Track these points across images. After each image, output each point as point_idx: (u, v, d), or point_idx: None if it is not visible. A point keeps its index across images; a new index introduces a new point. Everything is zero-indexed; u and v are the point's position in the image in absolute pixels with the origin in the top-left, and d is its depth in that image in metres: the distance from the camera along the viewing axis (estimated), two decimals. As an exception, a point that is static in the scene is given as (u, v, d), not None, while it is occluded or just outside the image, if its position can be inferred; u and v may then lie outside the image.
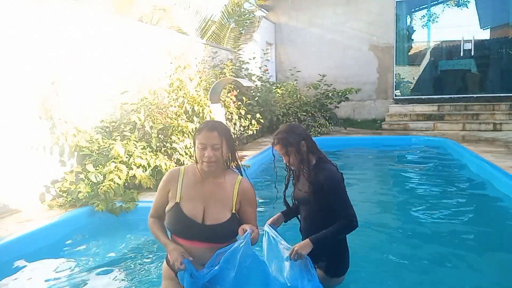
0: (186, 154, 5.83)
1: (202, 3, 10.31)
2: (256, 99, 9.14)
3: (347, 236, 2.53)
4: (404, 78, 12.89)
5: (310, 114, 10.07)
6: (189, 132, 5.98)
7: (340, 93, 10.60)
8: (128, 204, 4.31)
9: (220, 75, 8.14)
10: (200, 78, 7.47)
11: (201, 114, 6.37)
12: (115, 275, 3.12)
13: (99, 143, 4.90)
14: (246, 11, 11.04)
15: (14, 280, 3.06)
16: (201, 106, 6.37)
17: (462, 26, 12.12)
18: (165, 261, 2.23)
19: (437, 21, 12.81)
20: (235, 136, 7.82)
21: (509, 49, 11.90)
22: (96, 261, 3.41)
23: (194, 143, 2.11)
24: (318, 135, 9.69)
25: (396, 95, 12.34)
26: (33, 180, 4.53)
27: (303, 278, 2.23)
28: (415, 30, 13.23)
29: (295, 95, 10.59)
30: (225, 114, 7.48)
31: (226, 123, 7.33)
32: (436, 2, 12.88)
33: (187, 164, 5.59)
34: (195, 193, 2.13)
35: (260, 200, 5.47)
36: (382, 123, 10.96)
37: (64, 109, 4.77)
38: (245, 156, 7.31)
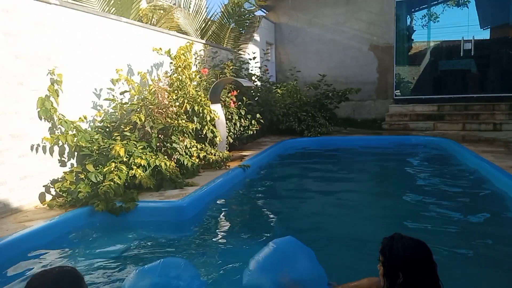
0: (186, 154, 5.83)
1: (202, 3, 10.32)
2: (256, 99, 9.14)
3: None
4: (404, 78, 12.88)
5: (310, 114, 10.06)
6: (189, 132, 5.98)
7: (340, 93, 10.59)
8: (128, 204, 4.31)
9: (220, 75, 8.13)
10: (200, 78, 7.47)
11: (201, 114, 6.37)
12: (115, 275, 3.12)
13: (99, 143, 4.90)
14: (246, 11, 11.04)
15: (13, 280, 3.06)
16: (201, 106, 6.37)
17: (462, 26, 12.11)
18: None
19: (437, 21, 12.81)
20: (235, 136, 7.82)
21: (509, 49, 11.89)
22: (95, 261, 3.40)
23: None
24: (318, 135, 9.70)
25: (396, 95, 12.34)
26: (33, 180, 4.53)
27: None
28: (415, 30, 13.22)
29: (295, 95, 10.59)
30: (225, 114, 7.48)
31: (226, 123, 7.33)
32: (436, 2, 12.87)
33: (186, 164, 5.60)
34: None
35: (259, 202, 5.48)
36: (382, 123, 10.95)
37: (64, 109, 4.77)
38: (245, 156, 7.31)
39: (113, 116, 5.74)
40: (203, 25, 10.25)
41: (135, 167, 4.79)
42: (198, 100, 6.40)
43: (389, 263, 1.84)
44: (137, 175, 4.73)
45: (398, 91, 12.50)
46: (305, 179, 6.67)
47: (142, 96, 5.96)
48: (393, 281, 1.81)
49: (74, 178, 4.52)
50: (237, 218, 4.75)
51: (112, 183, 4.37)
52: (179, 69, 6.52)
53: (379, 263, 1.93)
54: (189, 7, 10.10)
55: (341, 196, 5.63)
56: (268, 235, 4.06)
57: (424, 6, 12.98)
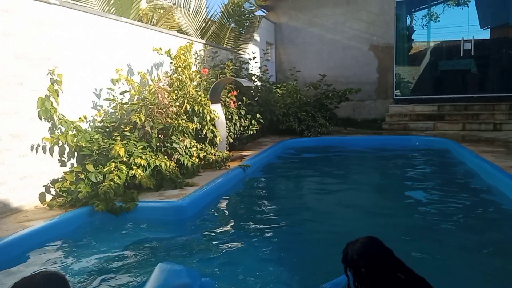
0: (186, 154, 5.83)
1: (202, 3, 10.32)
2: (256, 99, 9.14)
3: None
4: (404, 78, 12.88)
5: (310, 114, 10.06)
6: (189, 132, 5.99)
7: (340, 93, 10.60)
8: (128, 204, 4.31)
9: (220, 75, 8.13)
10: (200, 78, 7.47)
11: (201, 114, 6.37)
12: (115, 275, 3.12)
13: (99, 143, 4.90)
14: (246, 11, 11.04)
15: (13, 280, 3.06)
16: (201, 106, 6.37)
17: (462, 26, 12.12)
18: None
19: (437, 21, 12.81)
20: (235, 136, 7.81)
21: (509, 49, 11.88)
22: (95, 261, 3.40)
23: None
24: (318, 135, 9.71)
25: (396, 95, 12.34)
26: (33, 180, 4.53)
27: None
28: (415, 30, 13.21)
29: (295, 95, 10.59)
30: (225, 114, 7.48)
31: (226, 123, 7.33)
32: (436, 2, 12.86)
33: (186, 164, 5.60)
34: None
35: (259, 202, 5.48)
36: (382, 123, 10.95)
37: (64, 109, 4.77)
38: (245, 156, 7.31)
39: (113, 116, 5.74)
40: (203, 25, 10.25)
41: (135, 167, 4.79)
42: (198, 100, 6.40)
43: (350, 266, 1.97)
44: (137, 175, 4.73)
45: (398, 91, 12.50)
46: (304, 179, 6.67)
47: (142, 96, 5.97)
48: (361, 281, 1.91)
49: (74, 178, 4.52)
50: (237, 218, 4.75)
51: (112, 183, 4.38)
52: (179, 69, 6.52)
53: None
54: (189, 7, 10.10)
55: (340, 195, 5.63)
56: (268, 235, 4.07)
57: (424, 6, 12.97)
